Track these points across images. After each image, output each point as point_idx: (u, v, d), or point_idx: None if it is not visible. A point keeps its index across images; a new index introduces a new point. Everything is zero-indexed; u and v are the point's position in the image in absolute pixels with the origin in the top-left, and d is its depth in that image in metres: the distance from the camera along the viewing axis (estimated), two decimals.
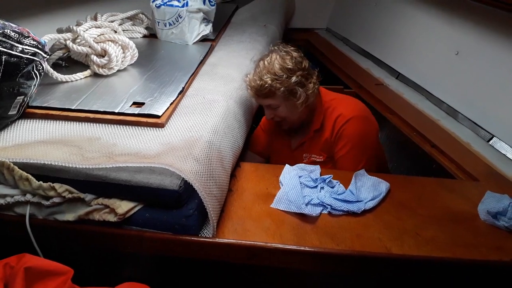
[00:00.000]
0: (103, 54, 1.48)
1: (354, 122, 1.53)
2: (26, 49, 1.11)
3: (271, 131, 1.79)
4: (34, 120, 1.24)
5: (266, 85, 1.45)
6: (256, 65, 1.54)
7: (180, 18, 1.83)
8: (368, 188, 1.29)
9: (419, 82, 2.15)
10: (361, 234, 1.13)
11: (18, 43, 1.09)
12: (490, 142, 1.67)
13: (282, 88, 1.46)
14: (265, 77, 1.45)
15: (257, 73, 1.49)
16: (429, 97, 2.06)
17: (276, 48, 1.53)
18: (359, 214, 1.20)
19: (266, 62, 1.49)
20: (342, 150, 1.54)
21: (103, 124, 1.23)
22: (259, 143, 1.82)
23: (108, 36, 1.49)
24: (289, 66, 1.46)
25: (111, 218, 1.04)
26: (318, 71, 1.57)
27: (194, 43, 1.90)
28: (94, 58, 1.46)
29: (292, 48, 1.53)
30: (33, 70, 1.16)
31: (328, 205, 1.21)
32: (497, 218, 1.19)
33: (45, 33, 1.38)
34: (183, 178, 1.02)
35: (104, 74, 1.49)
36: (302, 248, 1.07)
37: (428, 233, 1.14)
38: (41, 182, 1.03)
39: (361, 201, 1.23)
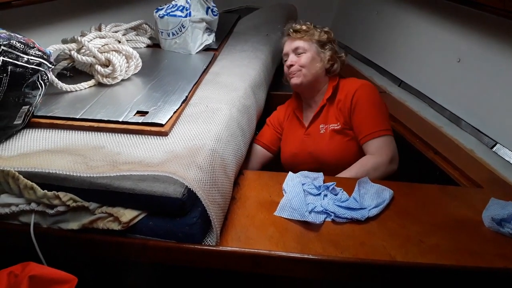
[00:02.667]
0: (107, 64, 1.49)
1: (364, 88, 1.67)
2: (31, 59, 1.13)
3: (280, 125, 1.87)
4: (39, 130, 1.25)
5: (304, 27, 1.72)
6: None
7: (183, 28, 1.85)
8: (371, 196, 1.29)
9: (422, 89, 2.16)
10: (365, 242, 1.12)
11: (24, 54, 1.11)
12: (494, 149, 1.67)
13: (316, 35, 1.70)
14: (307, 23, 1.74)
15: (299, 21, 1.78)
16: (432, 104, 2.07)
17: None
18: (362, 221, 1.20)
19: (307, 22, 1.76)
20: (362, 113, 1.61)
21: (107, 133, 1.24)
22: (264, 138, 1.88)
23: (112, 46, 1.50)
24: (326, 29, 1.76)
25: (115, 226, 1.04)
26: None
27: (197, 52, 1.91)
28: (98, 68, 1.47)
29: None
30: (38, 80, 1.17)
31: (332, 212, 1.21)
32: (502, 225, 1.18)
33: (50, 43, 1.40)
34: (187, 186, 1.02)
35: (108, 83, 1.50)
36: (306, 256, 1.06)
37: (432, 240, 1.14)
38: (45, 191, 1.04)
39: (365, 208, 1.23)
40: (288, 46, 1.73)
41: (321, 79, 1.72)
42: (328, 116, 1.69)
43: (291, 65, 1.70)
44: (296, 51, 1.70)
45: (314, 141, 1.69)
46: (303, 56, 1.68)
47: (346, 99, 1.64)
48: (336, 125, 1.65)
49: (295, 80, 1.71)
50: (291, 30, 1.73)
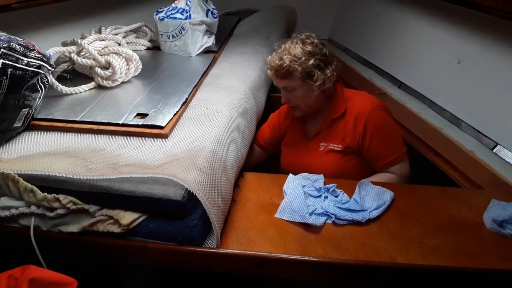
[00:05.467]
0: (107, 66, 1.49)
1: (377, 112, 1.57)
2: (31, 62, 1.13)
3: (279, 127, 1.82)
4: (39, 132, 1.25)
5: (285, 65, 1.51)
6: (278, 47, 1.59)
7: (183, 30, 1.85)
8: (372, 197, 1.29)
9: (422, 91, 2.16)
10: (365, 244, 1.12)
11: (24, 56, 1.11)
12: (494, 150, 1.67)
13: (299, 69, 1.50)
14: (285, 57, 1.51)
15: (278, 53, 1.56)
16: (432, 105, 2.07)
17: (299, 34, 1.59)
18: (363, 223, 1.19)
19: (287, 45, 1.55)
20: (380, 143, 1.55)
21: (107, 135, 1.24)
22: (261, 137, 1.86)
23: (112, 49, 1.50)
24: (309, 49, 1.52)
25: (115, 229, 1.04)
26: (338, 60, 1.61)
27: (197, 55, 1.91)
28: (98, 70, 1.47)
29: (314, 35, 1.59)
30: (38, 82, 1.17)
31: (332, 214, 1.20)
32: (503, 227, 1.18)
33: (50, 46, 1.40)
34: (187, 188, 1.02)
35: (108, 86, 1.50)
36: (307, 258, 1.06)
37: (433, 242, 1.13)
38: (45, 193, 1.04)
39: (366, 210, 1.23)
40: (276, 82, 1.61)
41: (321, 101, 1.62)
42: (331, 135, 1.62)
43: (287, 102, 1.63)
44: (285, 88, 1.59)
45: (313, 157, 1.66)
46: (294, 94, 1.57)
47: (357, 124, 1.56)
48: (337, 146, 1.60)
49: (296, 114, 1.67)
50: (272, 72, 1.57)
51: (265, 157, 1.89)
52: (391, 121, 1.62)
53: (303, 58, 1.50)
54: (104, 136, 1.24)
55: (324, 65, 1.53)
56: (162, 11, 1.89)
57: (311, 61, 1.50)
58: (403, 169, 1.57)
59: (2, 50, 1.05)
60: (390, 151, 1.56)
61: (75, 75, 1.57)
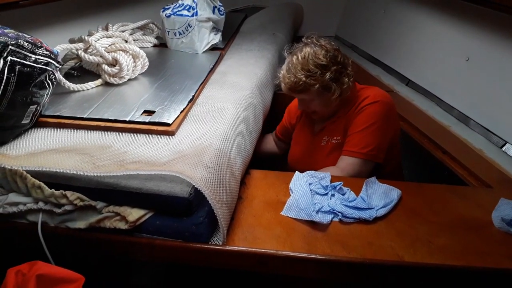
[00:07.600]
0: (114, 63, 1.49)
1: (380, 105, 1.51)
2: (39, 59, 1.13)
3: (290, 118, 1.85)
4: (47, 129, 1.25)
5: (301, 82, 1.45)
6: (289, 61, 1.51)
7: (190, 27, 1.85)
8: (379, 195, 1.28)
9: (430, 88, 2.14)
10: (372, 242, 1.11)
11: (31, 53, 1.11)
12: (503, 148, 1.65)
13: (317, 85, 1.45)
14: (299, 74, 1.45)
15: (291, 69, 1.48)
16: (440, 103, 2.05)
17: (309, 41, 1.52)
18: (370, 221, 1.19)
19: (299, 57, 1.47)
20: (357, 127, 1.50)
21: (114, 132, 1.24)
22: (278, 130, 1.92)
23: (119, 46, 1.50)
24: (323, 62, 1.45)
25: (122, 225, 1.04)
26: (351, 61, 1.55)
27: (203, 52, 1.91)
28: (105, 67, 1.48)
29: (325, 41, 1.52)
30: (45, 79, 1.18)
31: (339, 212, 1.20)
32: None
33: (58, 43, 1.40)
34: (193, 185, 1.02)
35: (115, 83, 1.50)
36: (313, 256, 1.06)
37: (441, 240, 1.13)
38: (53, 190, 1.04)
39: (373, 208, 1.22)
40: (291, 94, 1.57)
41: (338, 106, 1.58)
42: (333, 129, 1.60)
43: (304, 109, 1.60)
44: (302, 100, 1.55)
45: (314, 152, 1.65)
46: (311, 103, 1.53)
47: (356, 110, 1.53)
48: (337, 138, 1.57)
49: (314, 117, 1.63)
50: (287, 88, 1.51)
51: (277, 150, 1.94)
52: (382, 117, 1.50)
53: (318, 73, 1.44)
54: (111, 133, 1.24)
55: (340, 74, 1.48)
56: (168, 8, 1.88)
57: (327, 75, 1.45)
58: (349, 167, 1.47)
59: (10, 47, 1.06)
60: (355, 141, 1.48)
61: (82, 72, 1.57)
